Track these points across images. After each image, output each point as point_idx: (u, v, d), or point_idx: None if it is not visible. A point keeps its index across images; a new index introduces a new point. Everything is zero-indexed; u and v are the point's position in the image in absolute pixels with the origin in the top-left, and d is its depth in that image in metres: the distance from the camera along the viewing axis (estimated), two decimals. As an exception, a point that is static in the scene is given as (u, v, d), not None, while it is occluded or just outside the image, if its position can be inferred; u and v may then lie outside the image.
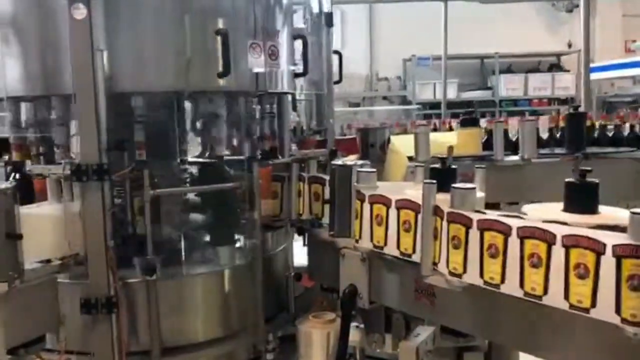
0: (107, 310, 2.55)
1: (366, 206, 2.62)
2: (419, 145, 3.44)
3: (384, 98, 17.32)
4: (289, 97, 3.34)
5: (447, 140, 3.79)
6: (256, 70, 2.73)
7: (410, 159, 3.56)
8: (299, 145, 3.49)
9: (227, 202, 2.98)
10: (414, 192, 2.51)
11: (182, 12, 2.68)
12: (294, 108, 3.47)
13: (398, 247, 2.49)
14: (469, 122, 3.71)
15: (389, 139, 3.63)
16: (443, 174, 2.56)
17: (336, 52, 3.64)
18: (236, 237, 3.08)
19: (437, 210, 2.29)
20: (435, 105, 14.63)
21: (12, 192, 2.29)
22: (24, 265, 2.40)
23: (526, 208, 2.26)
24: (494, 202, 3.63)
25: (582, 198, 2.13)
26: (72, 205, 2.55)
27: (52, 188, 2.60)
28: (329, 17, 3.31)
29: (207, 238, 3.07)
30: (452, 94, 14.79)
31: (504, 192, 3.53)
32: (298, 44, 3.28)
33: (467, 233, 2.14)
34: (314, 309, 3.15)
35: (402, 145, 3.64)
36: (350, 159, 3.58)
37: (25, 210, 2.46)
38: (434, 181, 2.30)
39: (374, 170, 2.66)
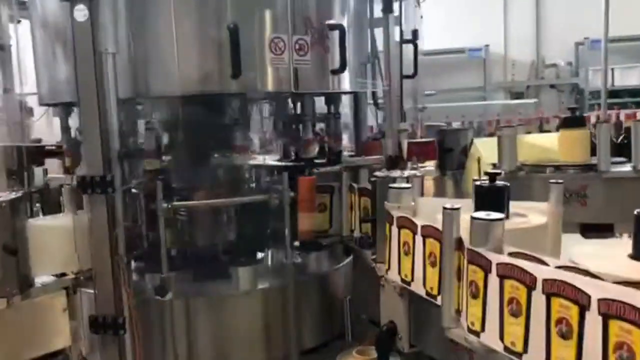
0: (113, 331, 2.38)
1: (394, 230, 2.16)
2: (502, 151, 2.84)
3: (552, 86, 15.71)
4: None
5: (547, 144, 3.11)
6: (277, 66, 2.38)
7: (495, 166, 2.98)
8: (363, 150, 3.07)
9: (255, 215, 2.67)
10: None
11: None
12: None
13: (424, 284, 2.00)
14: (574, 121, 2.97)
15: (471, 143, 3.07)
16: (491, 194, 2.00)
17: (408, 41, 3.14)
18: (267, 254, 2.75)
19: (460, 245, 1.77)
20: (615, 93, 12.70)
21: (8, 204, 2.20)
22: (32, 280, 2.32)
23: (581, 251, 1.65)
24: (607, 223, 2.91)
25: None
26: (82, 218, 2.41)
27: (68, 199, 2.49)
28: (388, 3, 2.84)
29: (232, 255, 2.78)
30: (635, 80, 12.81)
31: (617, 210, 2.78)
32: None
33: (485, 279, 1.62)
34: (366, 342, 2.74)
35: (490, 149, 3.05)
36: (420, 167, 3.09)
37: (36, 222, 2.37)
38: (458, 206, 1.78)
39: (407, 185, 2.18)
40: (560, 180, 2.18)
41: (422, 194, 2.73)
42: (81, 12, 2.28)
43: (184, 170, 2.69)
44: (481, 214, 1.65)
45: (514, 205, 2.17)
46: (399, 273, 2.13)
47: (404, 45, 3.18)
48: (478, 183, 2.02)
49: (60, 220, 2.47)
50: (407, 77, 3.15)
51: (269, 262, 2.69)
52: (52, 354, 2.43)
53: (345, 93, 3.03)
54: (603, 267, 1.46)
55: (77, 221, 2.42)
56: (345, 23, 2.90)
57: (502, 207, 2.01)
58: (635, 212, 1.54)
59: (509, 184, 2.03)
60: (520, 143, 3.01)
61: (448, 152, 3.04)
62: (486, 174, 1.99)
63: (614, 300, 1.27)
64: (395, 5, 2.91)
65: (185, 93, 2.49)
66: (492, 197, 1.99)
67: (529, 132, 3.55)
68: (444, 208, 1.78)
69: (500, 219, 1.64)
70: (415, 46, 3.16)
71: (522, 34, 15.03)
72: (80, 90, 2.32)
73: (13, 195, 2.26)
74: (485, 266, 1.61)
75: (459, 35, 12.26)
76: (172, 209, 2.45)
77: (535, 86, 16.31)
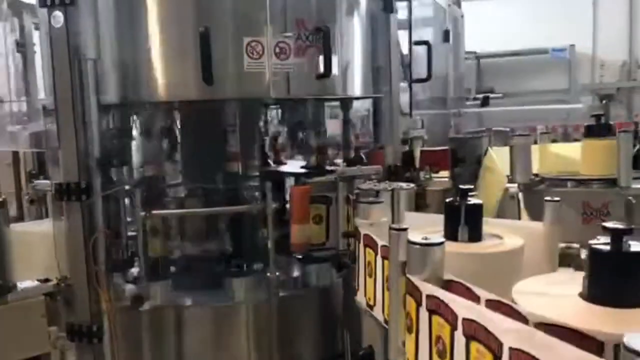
0: (88, 339, 2.36)
1: (361, 248, 1.98)
2: (515, 161, 2.58)
3: (647, 89, 14.61)
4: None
5: (570, 154, 2.80)
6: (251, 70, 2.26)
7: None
8: (368, 159, 2.90)
9: (243, 225, 2.57)
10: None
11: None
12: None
13: (383, 310, 1.82)
14: (599, 129, 2.62)
15: (486, 152, 2.82)
16: (461, 213, 1.80)
17: (421, 42, 2.91)
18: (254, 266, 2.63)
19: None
20: None
21: (-16, 210, 2.22)
22: (11, 285, 2.34)
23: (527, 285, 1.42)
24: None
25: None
26: (62, 225, 2.41)
27: (52, 205, 2.50)
28: (388, 1, 2.63)
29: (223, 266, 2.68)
30: None
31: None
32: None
33: (417, 312, 1.43)
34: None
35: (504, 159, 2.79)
36: (435, 178, 2.87)
37: (16, 228, 2.39)
38: (405, 227, 1.59)
39: (378, 200, 2.00)
40: (557, 198, 1.95)
41: (419, 208, 2.52)
42: (57, 19, 2.28)
43: (174, 177, 2.64)
44: (418, 238, 1.46)
45: (498, 225, 1.95)
46: (365, 295, 1.97)
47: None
48: (449, 200, 1.82)
49: (42, 227, 2.49)
50: (420, 80, 2.94)
51: (254, 275, 2.57)
52: (34, 359, 2.45)
53: (353, 99, 2.86)
54: (543, 308, 1.25)
55: (58, 228, 2.42)
56: (355, 25, 2.75)
57: (474, 227, 1.81)
58: (589, 244, 1.30)
59: (481, 202, 1.81)
60: (544, 153, 2.73)
61: (460, 161, 2.81)
62: (459, 190, 1.78)
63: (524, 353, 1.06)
64: (402, 5, 2.72)
65: (168, 99, 2.43)
66: (462, 216, 1.78)
67: (554, 141, 3.24)
68: (391, 228, 1.60)
69: (439, 244, 1.44)
70: (429, 47, 2.94)
71: (613, 33, 14.07)
72: (57, 96, 2.32)
73: (-11, 200, 2.30)
74: (417, 298, 1.43)
75: (541, 35, 11.54)
76: (150, 217, 2.40)
77: (627, 88, 15.25)
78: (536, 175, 2.62)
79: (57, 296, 2.48)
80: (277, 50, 2.32)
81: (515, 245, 1.77)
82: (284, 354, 2.57)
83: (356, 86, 2.82)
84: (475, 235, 1.79)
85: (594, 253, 1.29)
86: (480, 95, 9.53)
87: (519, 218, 2.62)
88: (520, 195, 2.60)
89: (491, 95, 9.55)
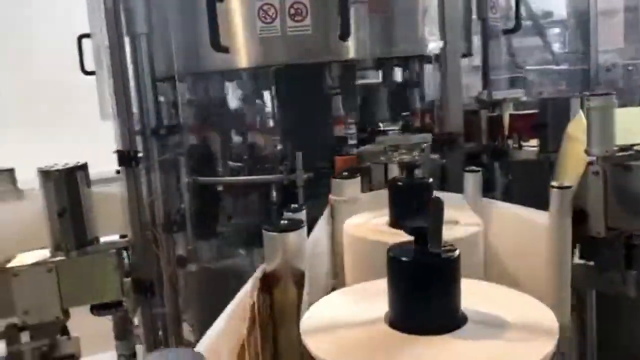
0: (147, 294, 2.60)
1: (332, 227, 1.80)
2: (592, 129, 2.02)
3: None
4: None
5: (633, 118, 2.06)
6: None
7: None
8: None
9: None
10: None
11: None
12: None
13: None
14: None
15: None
16: (406, 192, 1.53)
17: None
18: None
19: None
20: None
21: (65, 172, 2.57)
22: (89, 239, 2.69)
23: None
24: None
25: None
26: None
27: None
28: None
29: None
30: None
31: None
32: None
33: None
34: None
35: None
36: (525, 147, 2.44)
37: (95, 189, 2.72)
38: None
39: (354, 175, 1.79)
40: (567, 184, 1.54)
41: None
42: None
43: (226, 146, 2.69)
44: (273, 226, 1.29)
45: (491, 209, 1.62)
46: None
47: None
48: (392, 178, 1.56)
49: (117, 189, 2.77)
50: (508, 31, 2.48)
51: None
52: (108, 305, 2.77)
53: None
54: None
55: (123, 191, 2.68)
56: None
57: (421, 209, 1.52)
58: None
59: (430, 180, 1.52)
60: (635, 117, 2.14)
61: (542, 128, 2.33)
62: (403, 165, 1.52)
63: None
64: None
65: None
66: (408, 196, 1.52)
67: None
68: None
69: (292, 229, 1.25)
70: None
71: None
72: (112, 70, 2.54)
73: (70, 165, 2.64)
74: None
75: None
76: (197, 184, 2.52)
77: None
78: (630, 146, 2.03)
79: (127, 252, 2.77)
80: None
81: (456, 235, 1.45)
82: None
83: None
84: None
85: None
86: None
87: (605, 202, 2.08)
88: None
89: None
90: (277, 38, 2.29)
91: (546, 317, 0.99)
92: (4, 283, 2.52)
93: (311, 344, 0.90)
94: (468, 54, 2.72)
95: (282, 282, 1.24)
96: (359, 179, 1.79)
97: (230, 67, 2.34)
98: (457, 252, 0.94)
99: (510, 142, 2.56)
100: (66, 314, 2.65)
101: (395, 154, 2.32)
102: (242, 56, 2.31)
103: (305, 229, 1.28)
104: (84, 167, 2.73)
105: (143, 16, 2.51)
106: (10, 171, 2.77)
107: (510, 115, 2.55)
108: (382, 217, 1.54)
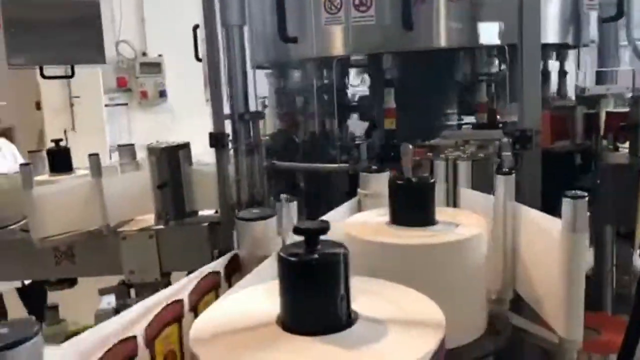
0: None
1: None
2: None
3: None
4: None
5: None
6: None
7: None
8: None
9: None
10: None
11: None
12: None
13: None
14: None
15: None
16: (405, 193, 1.50)
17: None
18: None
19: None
20: None
21: (167, 150, 2.89)
22: (189, 210, 2.98)
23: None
24: None
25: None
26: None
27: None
28: None
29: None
30: None
31: None
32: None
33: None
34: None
35: None
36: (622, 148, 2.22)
37: (194, 167, 3.00)
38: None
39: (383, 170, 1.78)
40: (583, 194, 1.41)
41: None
42: (206, -10, 2.69)
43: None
44: (246, 213, 1.37)
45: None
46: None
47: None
48: (392, 177, 1.54)
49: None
50: (608, 19, 2.22)
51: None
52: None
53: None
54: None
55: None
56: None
57: (423, 210, 1.50)
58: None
59: (433, 180, 1.47)
60: None
61: (633, 128, 2.07)
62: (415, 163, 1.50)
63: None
64: None
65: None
66: (407, 196, 1.50)
67: None
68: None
69: (263, 218, 1.32)
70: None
71: None
72: (207, 59, 2.76)
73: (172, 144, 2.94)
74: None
75: None
76: (272, 168, 2.66)
77: None
78: None
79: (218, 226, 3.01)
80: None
81: (451, 238, 1.39)
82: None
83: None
84: (419, 219, 1.48)
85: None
86: None
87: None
88: None
89: None
90: (369, 27, 2.35)
91: (435, 316, 0.96)
92: (115, 245, 2.92)
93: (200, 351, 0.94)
94: (572, 44, 2.50)
95: (246, 269, 1.32)
96: (387, 173, 1.78)
97: (304, 57, 2.42)
98: (342, 250, 0.94)
99: (605, 142, 2.33)
100: (165, 276, 2.98)
101: (466, 149, 2.25)
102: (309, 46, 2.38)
103: (274, 219, 1.34)
104: (186, 146, 3.03)
105: (236, 9, 2.68)
106: (131, 146, 3.14)
107: (607, 112, 2.31)
108: (382, 217, 1.53)
